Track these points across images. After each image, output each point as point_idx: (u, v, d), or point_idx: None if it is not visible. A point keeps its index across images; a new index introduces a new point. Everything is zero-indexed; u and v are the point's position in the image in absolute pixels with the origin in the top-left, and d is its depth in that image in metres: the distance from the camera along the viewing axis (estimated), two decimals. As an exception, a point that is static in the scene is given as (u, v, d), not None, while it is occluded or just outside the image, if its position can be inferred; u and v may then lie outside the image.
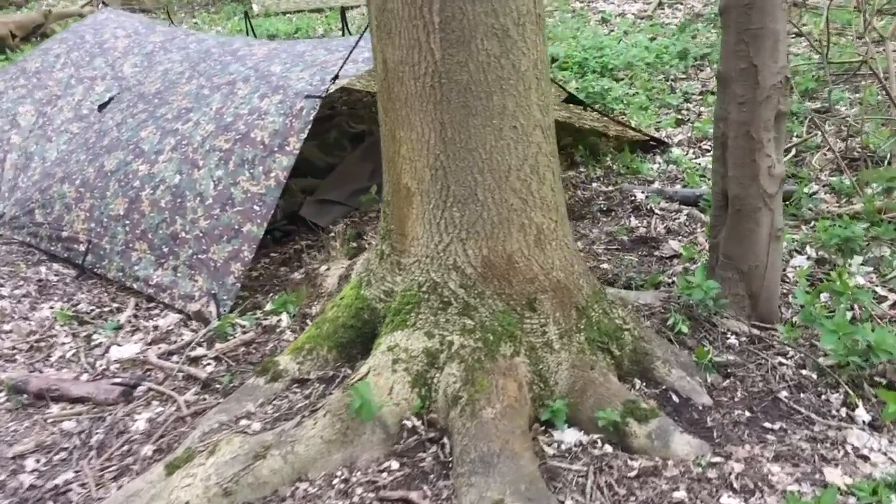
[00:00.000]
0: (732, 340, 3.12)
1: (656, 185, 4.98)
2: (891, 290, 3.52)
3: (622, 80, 7.49)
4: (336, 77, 3.78)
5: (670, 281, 3.70)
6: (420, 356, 2.73)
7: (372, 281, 2.98)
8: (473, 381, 2.65)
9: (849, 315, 3.21)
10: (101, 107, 5.15)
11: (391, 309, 2.87)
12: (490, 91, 2.59)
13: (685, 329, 3.12)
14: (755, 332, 3.18)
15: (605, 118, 5.44)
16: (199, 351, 3.30)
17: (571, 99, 5.16)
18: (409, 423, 2.66)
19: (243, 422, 2.69)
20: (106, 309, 3.77)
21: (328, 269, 3.69)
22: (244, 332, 3.42)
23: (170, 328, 3.52)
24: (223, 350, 3.29)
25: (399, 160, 2.79)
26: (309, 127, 3.79)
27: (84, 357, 3.34)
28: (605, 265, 3.95)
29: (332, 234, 4.10)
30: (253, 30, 5.58)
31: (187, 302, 3.70)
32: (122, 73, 5.48)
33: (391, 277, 2.91)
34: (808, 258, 3.83)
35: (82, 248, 4.14)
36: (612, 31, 9.25)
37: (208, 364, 3.24)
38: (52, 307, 3.77)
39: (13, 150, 5.24)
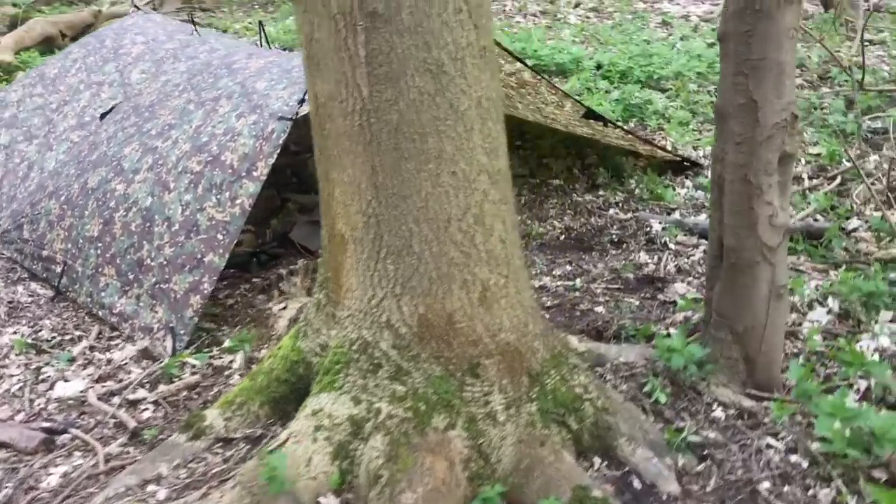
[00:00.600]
0: (718, 413, 2.74)
1: (676, 214, 4.57)
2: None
3: (668, 91, 7.02)
4: (303, 100, 3.51)
5: (666, 332, 3.31)
6: (344, 424, 2.45)
7: (308, 332, 2.71)
8: (397, 457, 2.35)
9: (857, 392, 2.78)
10: (103, 115, 4.99)
11: (322, 366, 2.59)
12: (424, 133, 2.28)
13: (663, 398, 2.75)
14: (747, 403, 2.79)
15: (630, 136, 5.03)
16: (141, 393, 3.09)
17: (590, 114, 4.77)
18: (324, 502, 2.37)
19: (151, 487, 2.45)
20: (67, 337, 3.60)
21: (284, 307, 3.43)
22: (193, 373, 3.19)
23: (123, 363, 3.32)
24: (164, 394, 3.06)
25: (333, 203, 2.50)
26: (278, 151, 3.53)
27: (28, 392, 3.16)
28: (599, 308, 3.59)
29: (291, 269, 3.84)
30: (267, 40, 5.34)
31: (146, 334, 3.49)
32: (129, 80, 5.31)
33: (326, 330, 2.63)
34: (830, 311, 3.39)
35: (58, 269, 4.00)
36: (671, 35, 8.74)
37: (146, 409, 3.02)
38: (15, 332, 3.61)
39: (23, 161, 5.12)
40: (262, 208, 4.65)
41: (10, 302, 3.89)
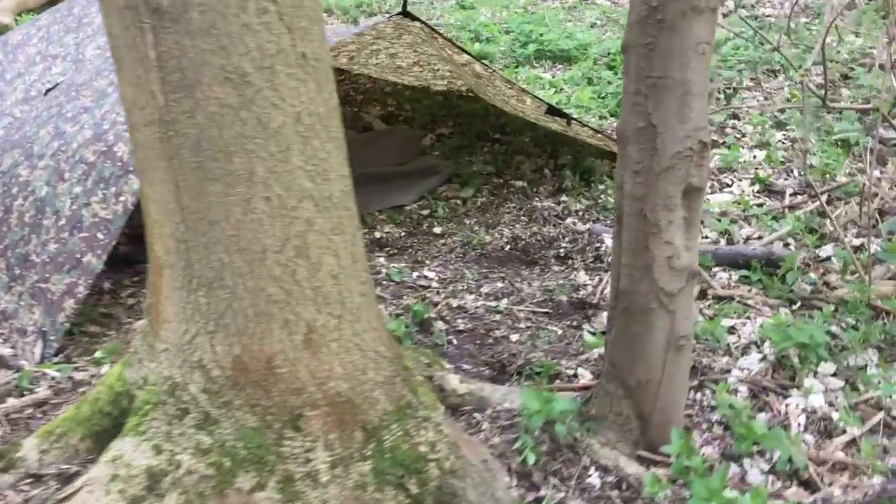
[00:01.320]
0: (594, 479, 2.40)
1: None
2: (857, 417, 2.66)
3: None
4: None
5: (571, 373, 2.95)
6: (141, 476, 2.15)
7: (134, 362, 2.41)
8: (188, 521, 2.04)
9: (769, 462, 2.40)
10: (47, 91, 4.74)
11: (135, 405, 2.30)
12: (229, 151, 1.95)
13: (532, 458, 2.40)
14: (631, 469, 2.44)
15: (600, 135, 4.62)
16: (-15, 407, 2.84)
17: (553, 110, 4.38)
18: (108, 565, 2.09)
19: (-68, 528, 2.19)
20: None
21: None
22: (50, 387, 2.93)
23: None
24: (8, 410, 2.81)
25: (150, 221, 2.20)
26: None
27: None
28: (515, 336, 3.24)
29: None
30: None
31: (20, 337, 3.24)
32: (83, 55, 5.06)
33: (147, 362, 2.33)
34: (764, 359, 2.98)
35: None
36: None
37: (-14, 426, 2.77)
38: None
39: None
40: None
41: None
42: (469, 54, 4.05)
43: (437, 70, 5.49)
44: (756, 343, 3.10)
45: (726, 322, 3.26)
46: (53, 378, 2.99)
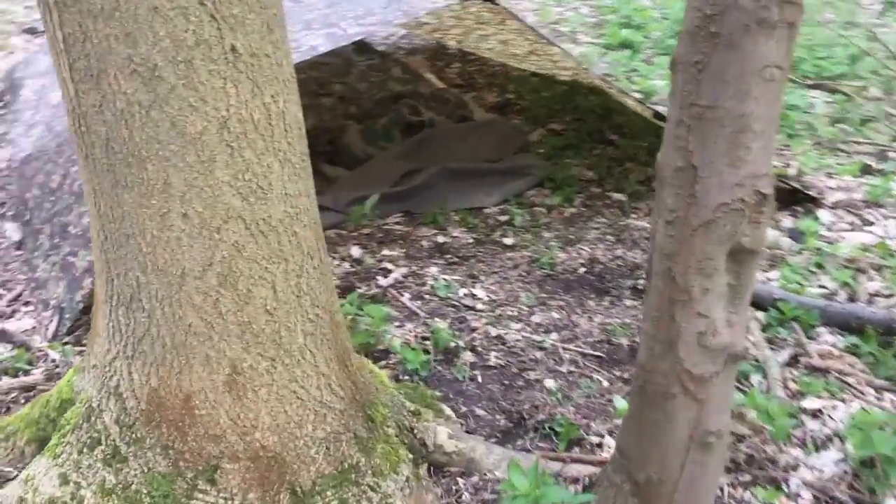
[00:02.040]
0: (573, 593, 1.94)
1: (732, 267, 3.55)
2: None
3: (837, 92, 5.73)
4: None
5: (597, 441, 2.49)
6: (43, 505, 1.92)
7: (81, 369, 2.19)
8: (71, 570, 1.79)
9: None
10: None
11: (60, 422, 2.07)
12: (141, 157, 1.65)
13: (501, 553, 1.98)
14: (623, 587, 1.95)
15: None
16: (-24, 384, 2.73)
17: (659, 116, 3.84)
18: None
19: None
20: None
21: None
22: (45, 370, 2.79)
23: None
24: (-6, 391, 2.69)
25: (92, 219, 1.94)
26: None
27: None
28: (550, 382, 2.80)
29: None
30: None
31: (43, 309, 3.14)
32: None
33: (85, 374, 2.10)
34: (844, 459, 2.40)
35: (27, 215, 3.75)
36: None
37: (-32, 406, 2.66)
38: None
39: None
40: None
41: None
42: (559, 47, 3.55)
43: (557, 60, 5.01)
44: (839, 436, 2.49)
45: (812, 403, 2.66)
46: (53, 361, 2.84)
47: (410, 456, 2.19)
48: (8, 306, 3.28)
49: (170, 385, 1.84)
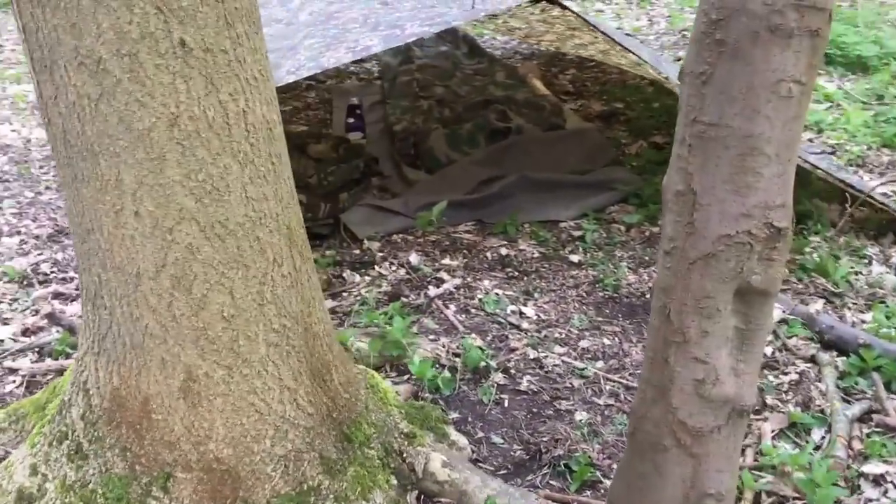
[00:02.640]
0: None
1: (819, 305, 3.21)
2: None
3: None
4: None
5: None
6: (13, 494, 1.93)
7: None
8: (19, 564, 1.79)
9: None
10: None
11: (47, 409, 2.09)
12: (94, 152, 1.62)
13: None
14: None
15: (831, 177, 3.65)
16: (20, 363, 2.83)
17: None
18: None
19: None
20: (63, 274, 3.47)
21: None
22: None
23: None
24: (34, 371, 2.77)
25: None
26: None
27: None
28: (583, 415, 2.61)
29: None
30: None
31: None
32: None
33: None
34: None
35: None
36: None
37: (13, 382, 2.76)
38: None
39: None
40: (340, 177, 4.15)
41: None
42: (635, 53, 3.31)
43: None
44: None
45: (875, 468, 2.33)
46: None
47: (394, 482, 2.06)
48: (76, 289, 3.38)
49: (130, 386, 1.80)
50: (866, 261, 3.54)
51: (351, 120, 4.90)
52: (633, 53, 3.53)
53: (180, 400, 1.77)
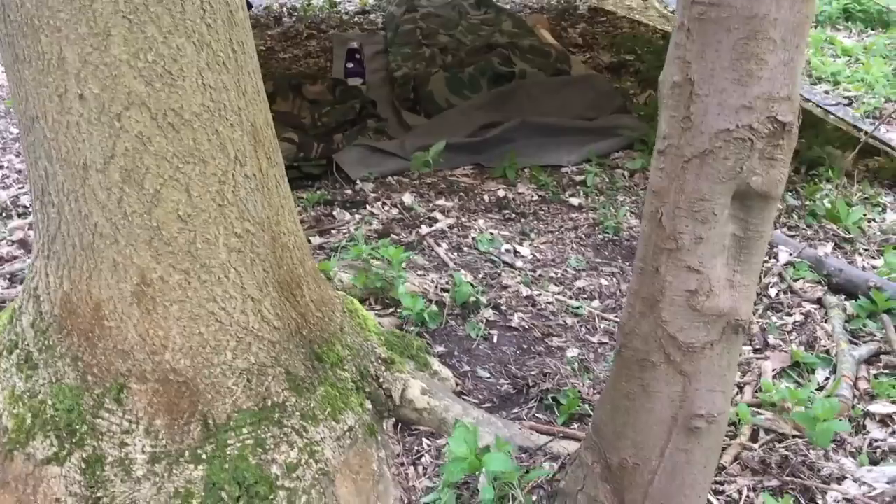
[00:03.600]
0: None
1: (828, 248, 3.06)
2: None
3: None
4: None
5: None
6: (-40, 406, 1.81)
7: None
8: (-40, 477, 1.68)
9: None
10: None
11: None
12: (35, 27, 1.49)
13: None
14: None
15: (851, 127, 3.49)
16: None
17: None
18: None
19: None
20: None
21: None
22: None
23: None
24: (2, 297, 2.66)
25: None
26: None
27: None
28: (574, 351, 2.48)
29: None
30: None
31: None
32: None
33: (33, 278, 1.99)
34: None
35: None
36: None
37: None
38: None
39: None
40: (335, 118, 4.00)
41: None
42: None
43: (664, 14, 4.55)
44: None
45: (882, 408, 2.19)
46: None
47: (368, 406, 1.93)
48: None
49: (80, 290, 1.67)
50: (880, 208, 3.37)
51: (350, 65, 4.75)
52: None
53: (133, 306, 1.64)
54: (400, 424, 2.05)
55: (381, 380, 2.00)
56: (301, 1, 6.94)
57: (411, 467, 1.94)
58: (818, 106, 3.57)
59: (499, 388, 2.32)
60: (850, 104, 4.47)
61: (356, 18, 6.43)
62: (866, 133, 3.20)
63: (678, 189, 1.49)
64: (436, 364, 2.23)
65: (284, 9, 6.73)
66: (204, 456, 1.68)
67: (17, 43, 1.51)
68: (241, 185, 1.67)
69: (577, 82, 4.35)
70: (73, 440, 1.69)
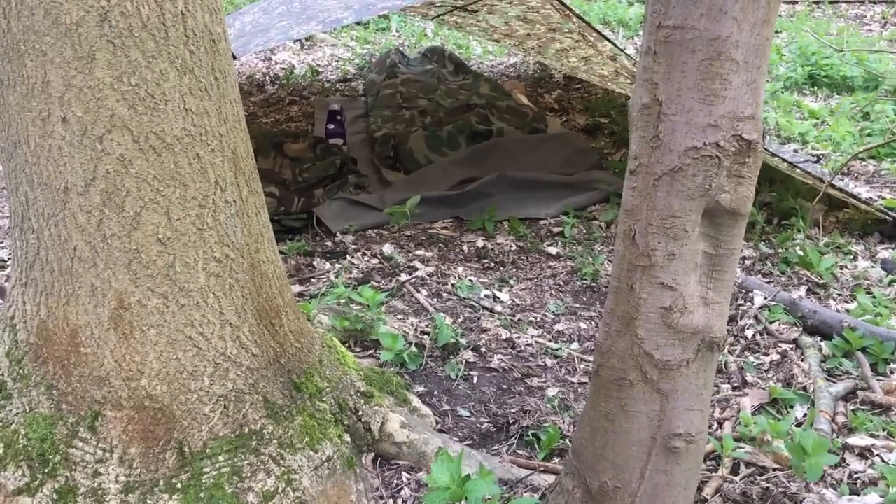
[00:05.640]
0: None
1: (801, 291, 3.09)
2: None
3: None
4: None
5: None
6: (-71, 439, 1.78)
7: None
8: (-72, 508, 1.64)
9: None
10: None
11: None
12: (20, 51, 1.52)
13: (417, 556, 1.67)
14: None
15: (809, 175, 3.58)
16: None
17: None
18: None
19: None
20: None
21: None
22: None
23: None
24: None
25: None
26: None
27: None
28: (554, 391, 2.48)
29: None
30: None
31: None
32: None
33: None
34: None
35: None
36: None
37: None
38: None
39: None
40: (315, 174, 4.05)
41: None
42: (612, 42, 3.24)
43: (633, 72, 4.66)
44: (887, 482, 2.02)
45: (861, 440, 2.20)
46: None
47: (347, 439, 1.91)
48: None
49: (57, 317, 1.67)
50: (851, 256, 3.43)
51: (331, 126, 4.82)
52: (609, 42, 3.47)
53: (111, 331, 1.63)
54: (379, 459, 2.03)
55: (360, 413, 1.99)
56: (284, 69, 7.08)
57: (390, 500, 1.91)
58: (785, 161, 3.66)
59: (479, 425, 2.30)
60: (818, 161, 4.58)
61: (338, 86, 6.56)
62: (827, 183, 3.28)
63: (650, 206, 1.53)
64: (415, 401, 2.22)
65: (267, 77, 6.85)
66: (179, 485, 1.66)
67: (2, 69, 1.54)
68: (221, 210, 1.68)
69: (554, 139, 4.44)
70: (46, 470, 1.66)
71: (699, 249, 1.56)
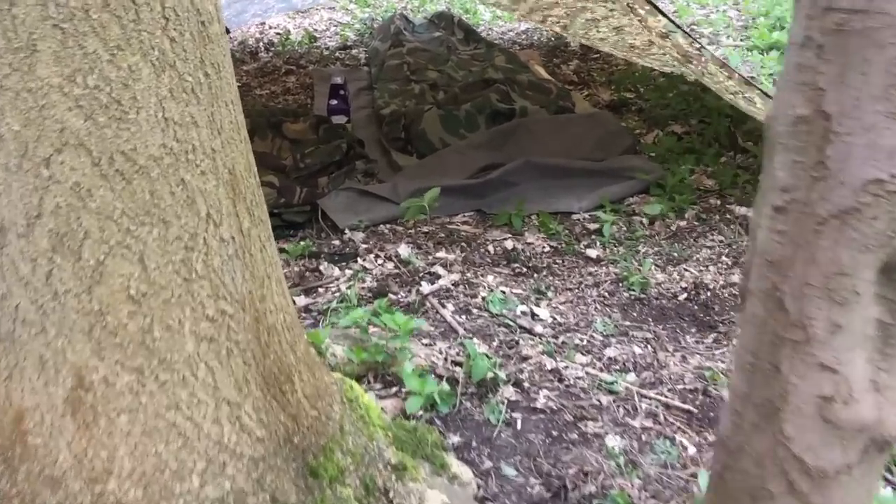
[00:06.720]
0: None
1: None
2: None
3: None
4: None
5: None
6: None
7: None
8: None
9: None
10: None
11: None
12: (-69, 38, 1.04)
13: None
14: None
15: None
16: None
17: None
18: None
19: None
20: None
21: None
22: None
23: None
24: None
25: None
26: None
27: None
28: (614, 441, 2.08)
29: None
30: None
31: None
32: None
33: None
34: None
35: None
36: None
37: None
38: None
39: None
40: (319, 159, 3.60)
41: None
42: (668, 17, 2.78)
43: (685, 53, 4.19)
44: None
45: None
46: None
47: (376, 531, 1.49)
48: None
49: (0, 394, 1.23)
50: None
51: (334, 102, 4.36)
52: (665, 16, 3.00)
53: (67, 417, 1.20)
54: (414, 548, 1.61)
55: (390, 494, 1.57)
56: (279, 35, 6.57)
57: None
58: None
59: (529, 489, 1.89)
60: None
61: (338, 54, 6.07)
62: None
63: (808, 260, 1.10)
64: (454, 464, 1.80)
65: (261, 44, 6.35)
66: None
67: None
68: (214, 253, 1.24)
69: (583, 120, 3.99)
70: None
71: (871, 317, 1.13)
